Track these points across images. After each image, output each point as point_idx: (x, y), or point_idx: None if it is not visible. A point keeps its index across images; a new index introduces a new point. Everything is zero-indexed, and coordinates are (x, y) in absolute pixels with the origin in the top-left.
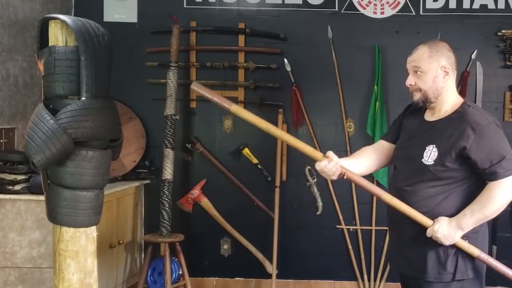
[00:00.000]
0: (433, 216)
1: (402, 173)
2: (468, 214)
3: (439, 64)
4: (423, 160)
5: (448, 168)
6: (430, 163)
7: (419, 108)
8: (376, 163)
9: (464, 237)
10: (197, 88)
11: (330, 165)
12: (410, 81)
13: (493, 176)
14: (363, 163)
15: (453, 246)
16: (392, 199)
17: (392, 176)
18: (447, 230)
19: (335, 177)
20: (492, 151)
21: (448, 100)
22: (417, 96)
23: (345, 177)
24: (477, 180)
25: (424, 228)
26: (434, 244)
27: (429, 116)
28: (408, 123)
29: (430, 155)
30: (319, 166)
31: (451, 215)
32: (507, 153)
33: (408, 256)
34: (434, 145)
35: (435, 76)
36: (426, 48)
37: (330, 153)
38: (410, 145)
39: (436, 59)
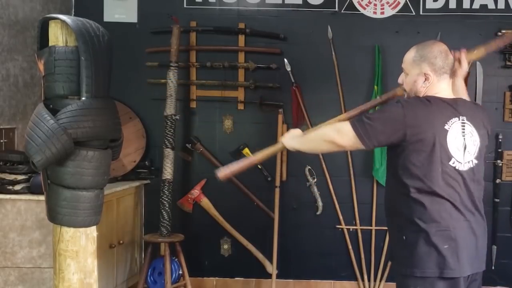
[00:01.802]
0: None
1: None
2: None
3: (420, 69)
4: None
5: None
6: None
7: None
8: None
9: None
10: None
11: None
12: (399, 79)
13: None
14: None
15: (407, 239)
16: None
17: None
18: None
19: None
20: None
21: None
22: (404, 95)
23: None
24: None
25: (394, 225)
26: (395, 236)
27: None
28: None
29: None
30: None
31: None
32: (369, 116)
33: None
34: None
35: (415, 80)
36: (413, 51)
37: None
38: None
39: (417, 64)
